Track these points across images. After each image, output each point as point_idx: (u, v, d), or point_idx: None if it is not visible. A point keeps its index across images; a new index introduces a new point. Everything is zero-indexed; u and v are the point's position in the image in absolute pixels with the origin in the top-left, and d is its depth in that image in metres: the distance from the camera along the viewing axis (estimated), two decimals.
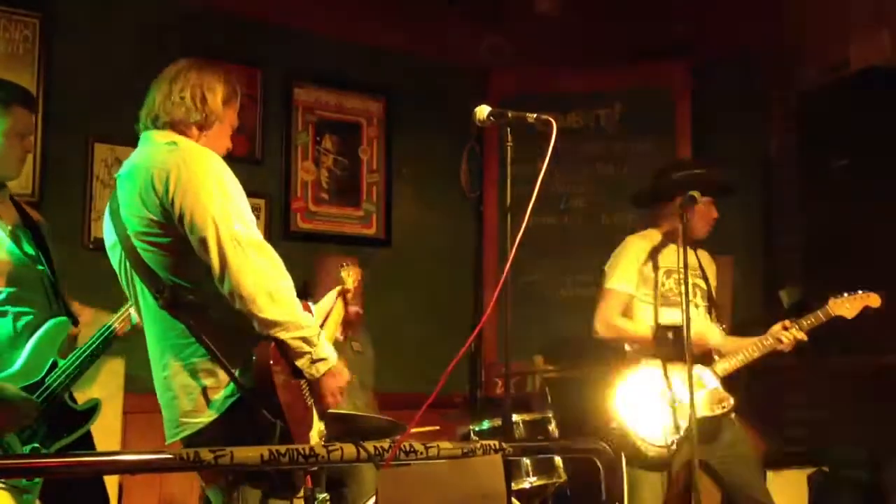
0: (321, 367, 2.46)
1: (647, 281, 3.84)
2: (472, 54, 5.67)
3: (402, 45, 5.48)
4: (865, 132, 4.46)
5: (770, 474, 4.53)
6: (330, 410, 3.15)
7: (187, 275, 2.45)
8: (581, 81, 5.61)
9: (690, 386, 3.40)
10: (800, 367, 4.72)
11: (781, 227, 5.12)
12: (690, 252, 3.92)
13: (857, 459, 4.69)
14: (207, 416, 2.41)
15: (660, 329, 3.72)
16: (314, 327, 2.45)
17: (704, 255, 4.05)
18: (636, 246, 3.92)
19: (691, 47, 5.51)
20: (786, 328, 3.77)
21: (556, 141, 2.46)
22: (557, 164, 5.40)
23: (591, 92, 5.63)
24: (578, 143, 5.59)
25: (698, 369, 3.71)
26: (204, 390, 2.42)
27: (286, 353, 2.40)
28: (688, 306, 3.44)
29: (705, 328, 3.79)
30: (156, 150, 2.56)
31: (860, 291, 3.77)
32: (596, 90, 5.62)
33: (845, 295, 3.76)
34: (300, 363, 2.42)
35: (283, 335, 2.38)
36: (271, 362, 2.35)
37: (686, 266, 3.47)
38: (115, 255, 2.58)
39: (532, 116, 2.56)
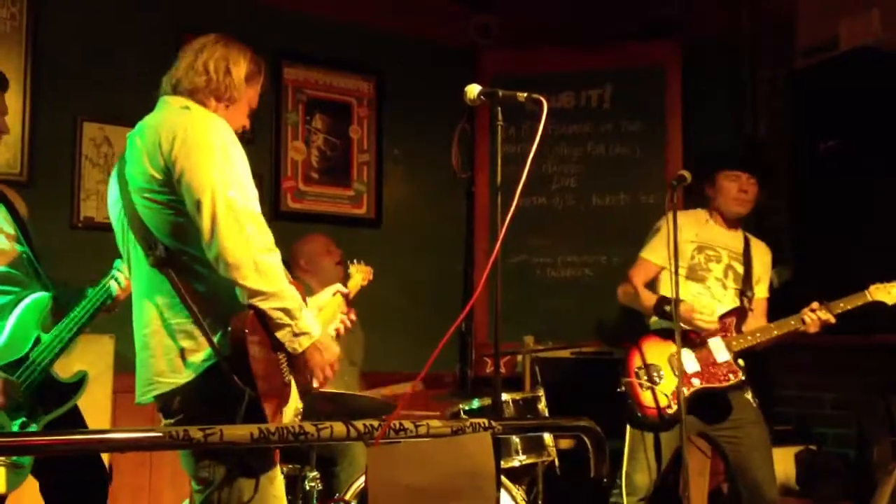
0: (304, 341, 2.45)
1: (679, 254, 3.88)
2: (464, 34, 5.66)
3: (393, 25, 5.46)
4: (855, 112, 4.46)
5: None
6: (319, 389, 3.17)
7: (181, 235, 2.45)
8: (572, 62, 5.60)
9: (679, 361, 3.44)
10: (788, 346, 4.74)
11: (770, 207, 5.13)
12: (733, 236, 4.04)
13: (845, 437, 4.73)
14: (181, 378, 2.41)
15: (660, 300, 3.83)
16: (297, 300, 2.43)
17: (760, 247, 4.10)
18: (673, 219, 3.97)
19: (681, 27, 5.51)
20: (813, 310, 3.78)
21: (546, 121, 2.46)
22: (548, 144, 5.46)
23: (582, 72, 5.62)
24: (569, 123, 5.59)
25: (711, 342, 3.79)
26: (181, 352, 2.42)
27: (267, 323, 2.41)
28: (677, 283, 3.48)
29: (703, 305, 3.82)
30: (169, 111, 2.58)
31: None
32: (586, 70, 5.62)
33: (894, 283, 3.75)
34: (280, 335, 2.42)
35: (263, 305, 2.37)
36: (246, 331, 2.34)
37: (676, 247, 3.49)
38: (115, 212, 2.60)
39: (523, 95, 2.55)
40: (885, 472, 4.11)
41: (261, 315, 2.39)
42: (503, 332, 2.52)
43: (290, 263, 4.49)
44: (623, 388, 3.78)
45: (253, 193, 2.49)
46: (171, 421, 2.44)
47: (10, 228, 3.09)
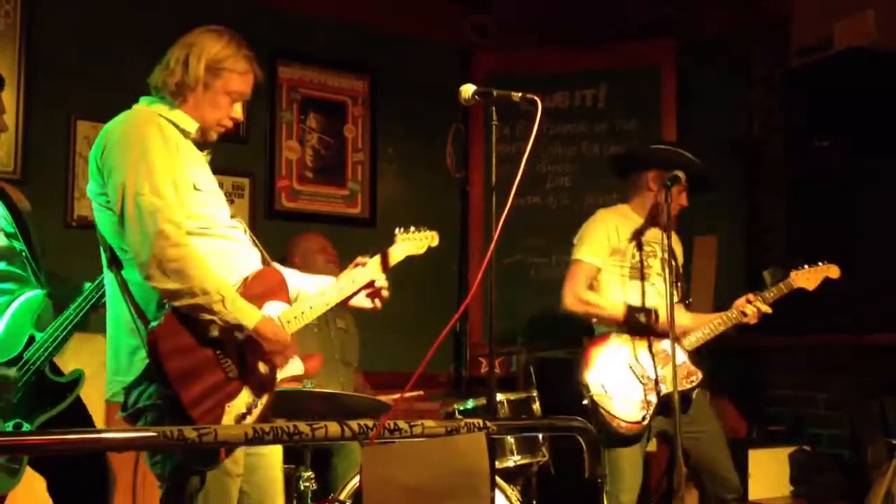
0: (238, 335, 2.45)
1: (616, 253, 3.88)
2: (458, 34, 5.65)
3: (388, 24, 5.45)
4: (849, 112, 4.47)
5: (752, 453, 4.57)
6: (319, 390, 3.15)
7: (119, 235, 2.48)
8: (567, 61, 5.60)
9: (674, 362, 3.44)
10: (782, 346, 4.75)
11: (765, 206, 5.14)
12: (656, 229, 3.96)
13: (838, 438, 4.74)
14: (130, 376, 2.45)
15: (630, 310, 3.77)
16: (214, 294, 2.40)
17: (674, 237, 4.06)
18: (605, 218, 3.98)
19: (677, 27, 5.51)
20: (749, 301, 3.81)
21: (541, 120, 2.46)
22: (542, 144, 5.46)
23: (577, 71, 5.62)
24: (563, 122, 5.59)
25: (665, 344, 3.74)
26: (131, 350, 2.46)
27: (195, 320, 2.41)
28: (670, 285, 3.50)
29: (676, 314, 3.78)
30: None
31: (820, 263, 3.82)
32: (581, 70, 5.62)
33: (806, 267, 3.81)
34: (209, 331, 2.41)
35: (177, 303, 2.38)
36: (157, 325, 2.37)
37: (671, 245, 3.51)
38: None
39: (517, 95, 2.55)
40: (879, 472, 4.12)
41: (177, 311, 2.39)
42: (498, 332, 2.52)
43: (284, 259, 4.49)
44: (587, 402, 3.72)
45: (168, 193, 2.45)
46: (124, 415, 2.48)
47: (9, 226, 3.08)
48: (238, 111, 2.73)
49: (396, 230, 3.05)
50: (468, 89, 2.59)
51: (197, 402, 2.37)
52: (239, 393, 2.48)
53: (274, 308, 2.64)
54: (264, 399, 2.56)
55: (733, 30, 5.33)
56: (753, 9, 5.23)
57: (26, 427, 2.88)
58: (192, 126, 2.65)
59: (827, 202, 4.55)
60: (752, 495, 4.47)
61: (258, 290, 2.60)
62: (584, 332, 4.07)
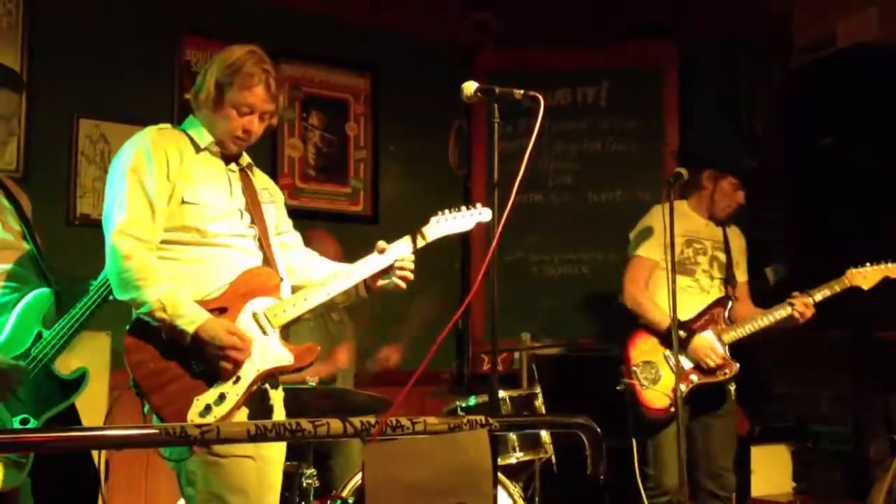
0: (183, 339, 2.53)
1: (668, 248, 3.90)
2: (461, 31, 5.65)
3: (390, 22, 5.45)
4: (851, 110, 4.47)
5: (754, 449, 4.57)
6: (321, 387, 3.15)
7: None
8: (569, 60, 5.60)
9: (676, 359, 3.48)
10: (785, 342, 4.75)
11: (767, 205, 5.14)
12: (713, 225, 4.08)
13: (841, 434, 4.73)
14: None
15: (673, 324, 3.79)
16: (154, 304, 2.50)
17: (734, 231, 4.16)
18: (659, 214, 3.98)
19: (679, 25, 5.51)
20: (794, 297, 3.83)
21: (542, 118, 2.47)
22: (544, 142, 5.45)
23: (579, 70, 5.62)
24: (566, 120, 5.59)
25: (707, 335, 3.84)
26: None
27: (154, 328, 2.55)
28: (674, 281, 3.50)
29: (711, 343, 3.84)
30: None
31: (887, 263, 3.81)
32: (583, 68, 5.62)
33: (868, 266, 3.80)
34: (164, 336, 2.54)
35: (137, 313, 2.55)
36: (125, 338, 2.55)
37: (672, 242, 3.51)
38: None
39: (519, 93, 2.55)
40: (881, 468, 4.12)
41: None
42: (500, 329, 2.53)
43: None
44: (622, 388, 3.84)
45: (138, 207, 2.57)
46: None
47: (17, 225, 3.09)
48: (252, 124, 2.77)
49: (439, 212, 3.12)
50: (470, 86, 2.60)
51: (167, 403, 2.49)
52: (207, 388, 2.55)
53: (258, 304, 2.69)
54: (238, 388, 2.57)
55: (735, 28, 5.32)
56: (754, 8, 5.23)
57: (33, 423, 2.89)
58: (205, 140, 2.75)
59: (829, 200, 4.55)
60: (754, 492, 4.47)
61: (243, 289, 2.68)
62: (589, 329, 4.09)
